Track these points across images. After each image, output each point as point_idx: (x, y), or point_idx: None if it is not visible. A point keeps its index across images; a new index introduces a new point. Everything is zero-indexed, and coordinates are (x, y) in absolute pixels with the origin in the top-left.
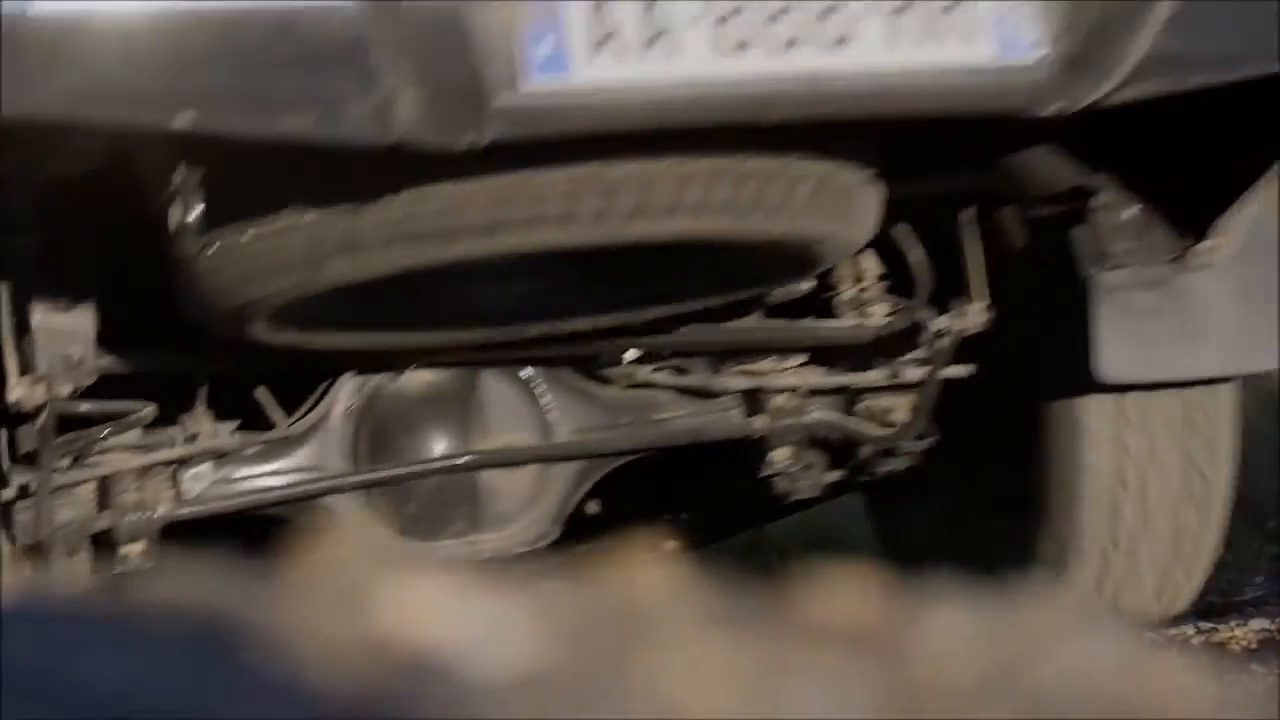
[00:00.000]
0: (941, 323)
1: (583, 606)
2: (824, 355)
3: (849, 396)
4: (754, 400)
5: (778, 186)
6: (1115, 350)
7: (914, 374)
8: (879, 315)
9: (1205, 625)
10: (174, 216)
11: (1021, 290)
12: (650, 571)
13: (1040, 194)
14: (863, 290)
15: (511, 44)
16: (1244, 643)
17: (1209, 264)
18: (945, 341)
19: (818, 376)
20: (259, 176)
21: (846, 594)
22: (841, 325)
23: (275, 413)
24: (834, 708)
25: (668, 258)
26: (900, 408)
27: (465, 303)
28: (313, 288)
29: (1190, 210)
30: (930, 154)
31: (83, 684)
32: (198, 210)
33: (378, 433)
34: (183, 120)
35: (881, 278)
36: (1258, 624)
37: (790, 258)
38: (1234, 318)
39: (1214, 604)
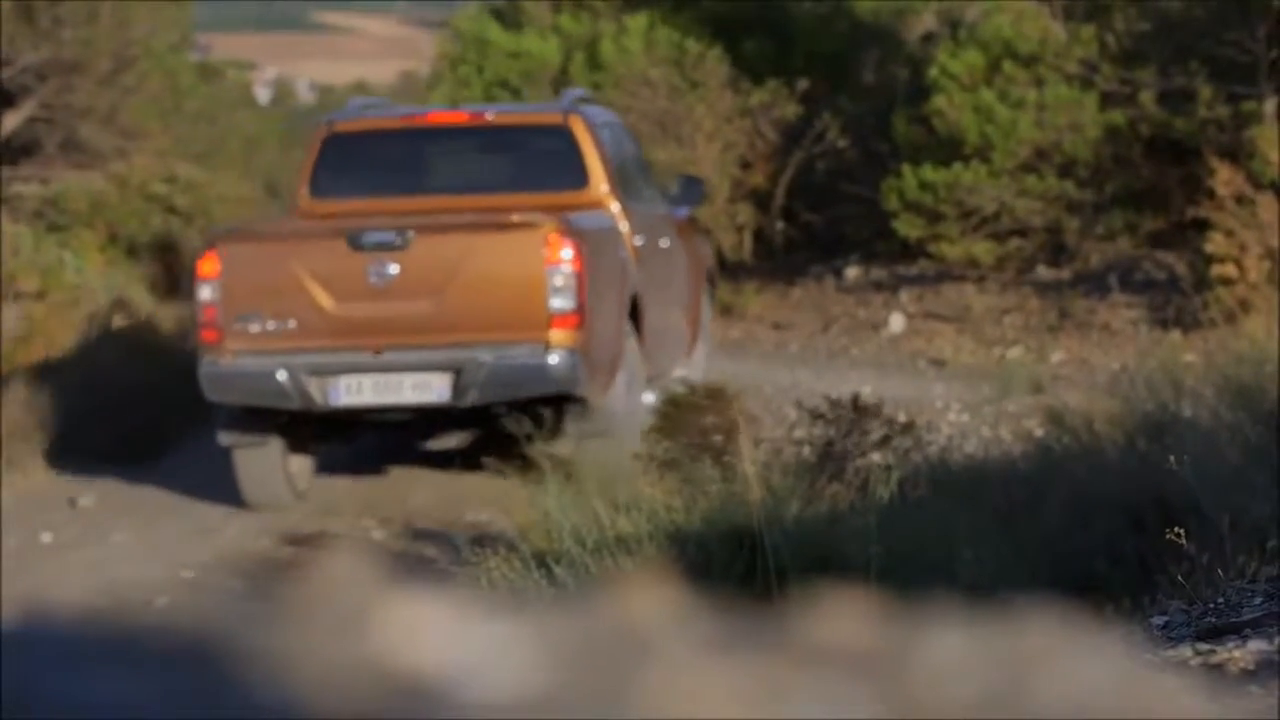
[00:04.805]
0: None
1: (581, 630)
2: None
3: None
4: None
5: None
6: None
7: None
8: None
9: (1203, 647)
10: None
11: None
12: (648, 596)
13: None
14: None
15: None
16: (1241, 664)
17: None
18: None
19: None
20: None
21: (845, 616)
22: None
23: None
24: None
25: None
26: None
27: None
28: None
29: None
30: None
31: (83, 703)
32: None
33: None
34: None
35: None
36: (1255, 645)
37: None
38: None
39: (1212, 625)
